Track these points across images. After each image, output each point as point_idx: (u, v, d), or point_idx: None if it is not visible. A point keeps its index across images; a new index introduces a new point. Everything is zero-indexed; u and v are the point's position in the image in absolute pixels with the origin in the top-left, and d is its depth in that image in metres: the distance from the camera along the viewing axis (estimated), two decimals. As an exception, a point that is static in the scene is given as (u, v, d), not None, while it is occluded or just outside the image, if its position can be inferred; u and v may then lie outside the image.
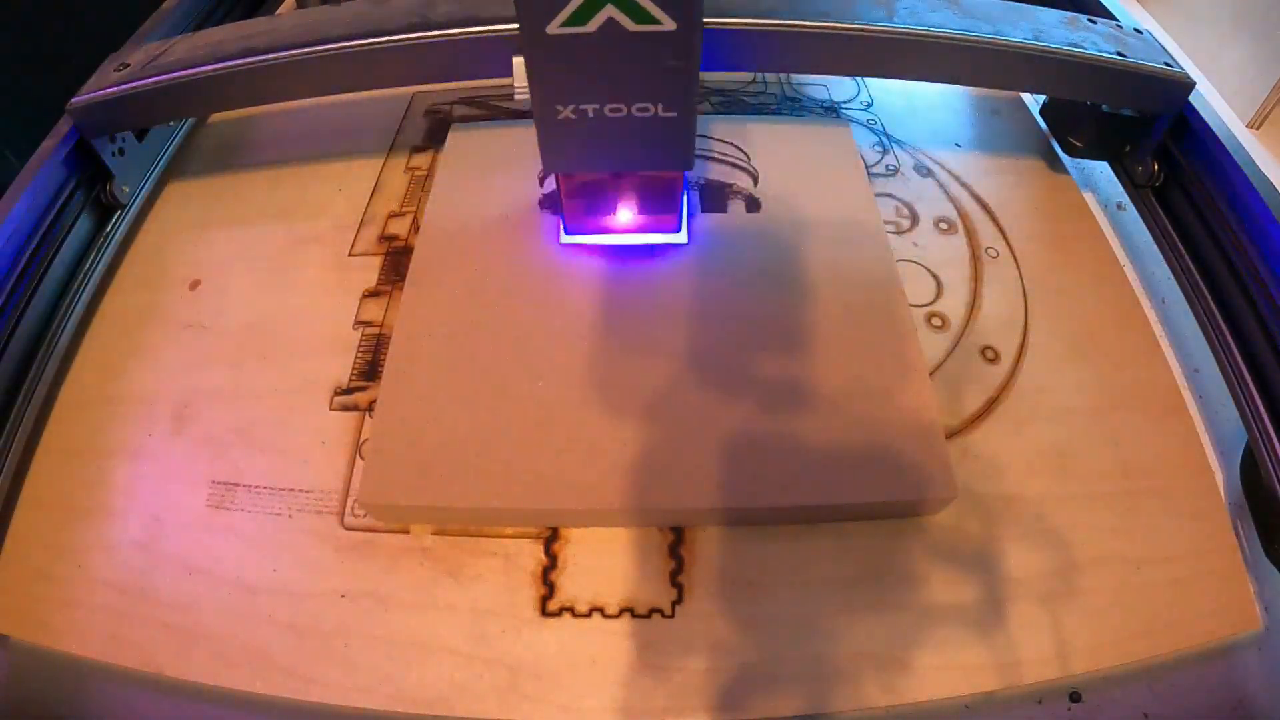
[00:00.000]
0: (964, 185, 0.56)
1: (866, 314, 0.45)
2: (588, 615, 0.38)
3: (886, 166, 0.57)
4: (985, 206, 0.55)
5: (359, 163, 0.60)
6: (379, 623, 0.39)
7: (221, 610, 0.40)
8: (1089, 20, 0.51)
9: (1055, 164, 0.59)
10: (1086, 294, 0.50)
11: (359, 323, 0.49)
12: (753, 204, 0.52)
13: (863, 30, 0.47)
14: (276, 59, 0.50)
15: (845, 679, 0.37)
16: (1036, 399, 0.45)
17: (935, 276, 0.50)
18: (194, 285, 0.52)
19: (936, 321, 0.48)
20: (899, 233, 0.53)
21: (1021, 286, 0.50)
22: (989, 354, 0.47)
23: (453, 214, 0.52)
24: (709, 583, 0.39)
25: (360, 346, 0.48)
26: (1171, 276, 0.50)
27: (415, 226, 0.54)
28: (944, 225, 0.53)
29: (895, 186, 0.56)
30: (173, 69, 0.51)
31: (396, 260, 0.52)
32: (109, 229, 0.54)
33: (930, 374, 0.44)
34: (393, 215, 0.56)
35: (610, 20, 0.31)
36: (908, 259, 0.51)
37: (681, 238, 0.48)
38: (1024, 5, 0.51)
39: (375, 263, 0.52)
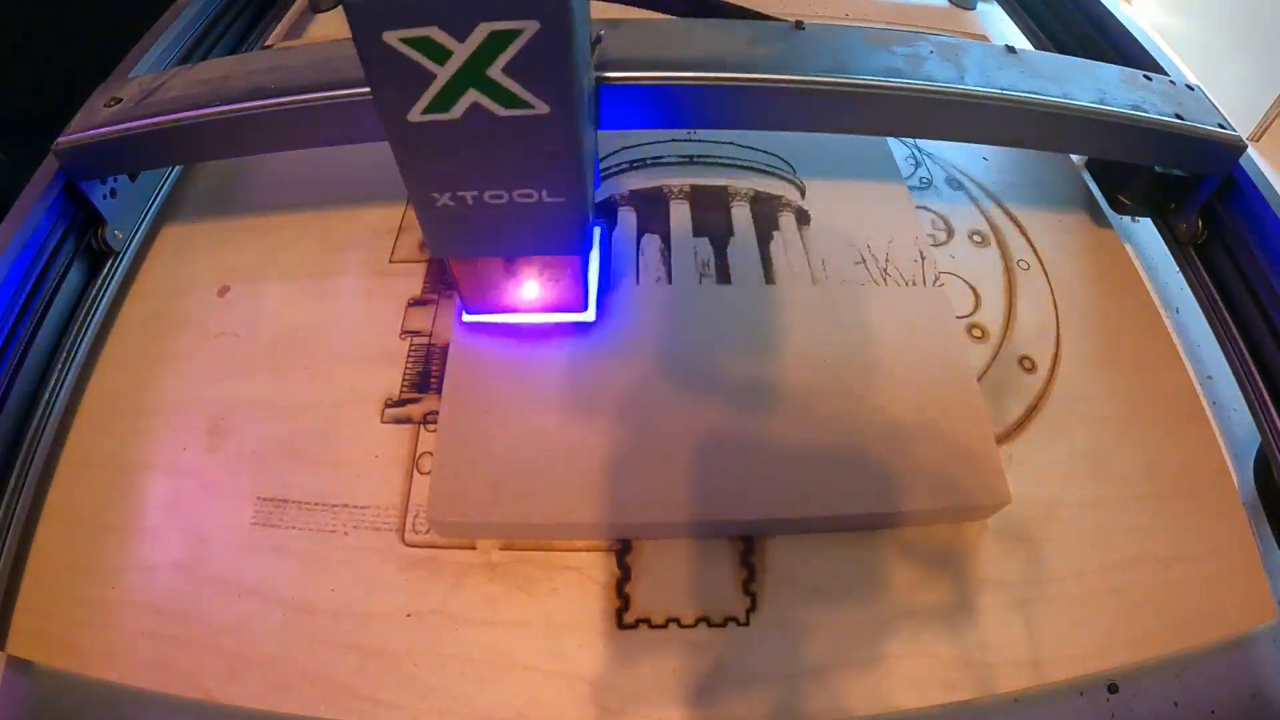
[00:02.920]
0: (993, 198, 0.58)
1: (918, 327, 0.47)
2: (664, 626, 0.39)
3: (920, 179, 0.59)
4: (1014, 219, 0.57)
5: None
6: (449, 641, 0.38)
7: (276, 633, 0.39)
8: (1145, 77, 0.51)
9: (1074, 177, 0.62)
10: (1111, 305, 0.53)
11: (406, 332, 0.48)
12: (803, 216, 0.53)
13: (936, 92, 0.45)
14: (291, 104, 0.44)
15: (911, 678, 0.39)
16: (1072, 407, 0.48)
17: (973, 288, 0.52)
18: (223, 291, 0.50)
19: (977, 333, 0.50)
20: (936, 245, 0.54)
21: (1052, 297, 0.53)
22: (1026, 364, 0.49)
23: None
24: (781, 590, 0.40)
25: (410, 357, 0.47)
26: (1186, 287, 0.53)
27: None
28: (977, 238, 0.55)
29: (930, 199, 0.57)
30: (170, 109, 0.45)
31: (441, 269, 0.51)
32: (104, 274, 0.49)
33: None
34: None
35: (475, 105, 0.29)
36: (946, 271, 0.53)
37: (588, 316, 0.45)
38: (1083, 61, 0.51)
39: (418, 269, 0.51)
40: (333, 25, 0.79)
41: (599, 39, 0.43)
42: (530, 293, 0.43)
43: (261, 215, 0.55)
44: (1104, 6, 0.63)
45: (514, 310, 0.44)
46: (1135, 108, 0.47)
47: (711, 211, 0.53)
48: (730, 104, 0.45)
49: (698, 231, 0.52)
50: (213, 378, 0.47)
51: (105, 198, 0.49)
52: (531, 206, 0.34)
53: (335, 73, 0.45)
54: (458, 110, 0.29)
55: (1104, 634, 0.41)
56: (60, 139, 0.46)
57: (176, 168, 0.57)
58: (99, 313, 0.49)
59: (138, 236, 0.53)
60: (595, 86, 0.42)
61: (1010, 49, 0.49)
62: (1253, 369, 0.47)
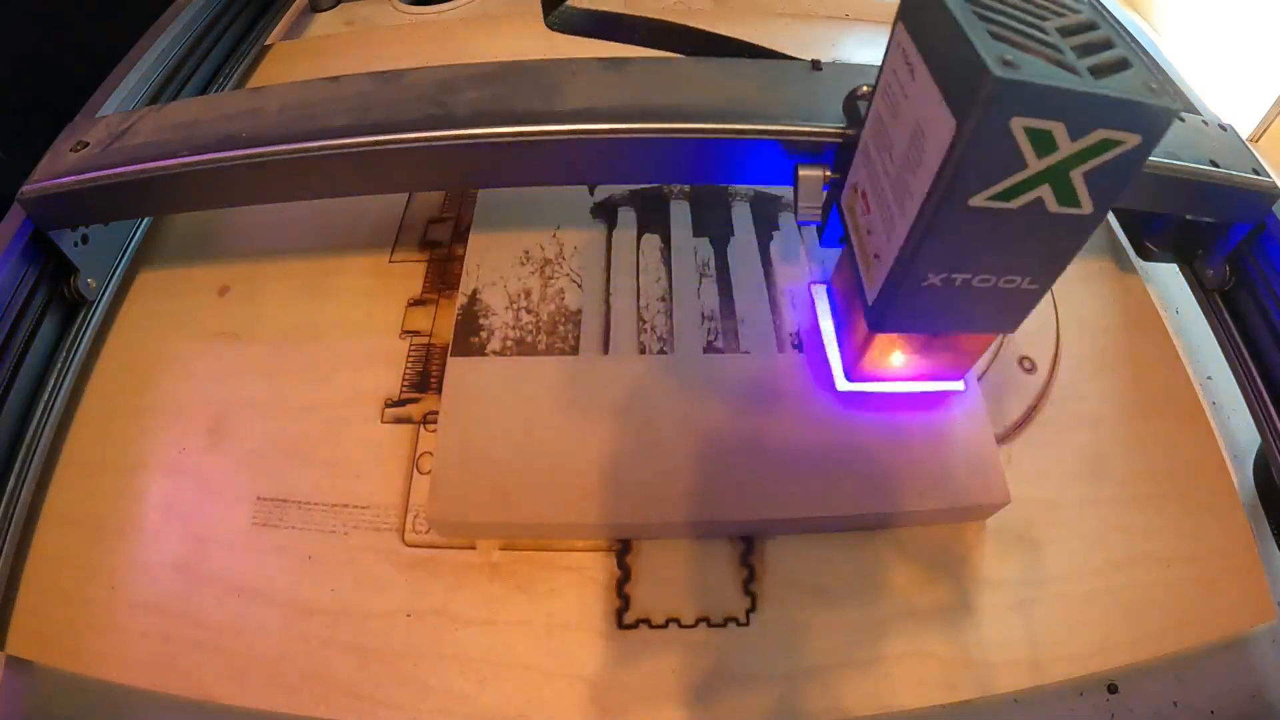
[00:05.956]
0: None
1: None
2: (664, 626, 0.39)
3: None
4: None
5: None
6: (449, 641, 0.38)
7: (277, 633, 0.39)
8: (1178, 118, 0.48)
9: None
10: (1110, 304, 0.53)
11: (406, 332, 0.48)
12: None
13: None
14: (264, 155, 0.41)
15: (911, 678, 0.39)
16: (1071, 407, 0.48)
17: (973, 288, 0.52)
18: (223, 291, 0.50)
19: (977, 332, 0.50)
20: (937, 245, 0.54)
21: (1052, 298, 0.53)
22: (1026, 364, 0.49)
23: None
24: (781, 590, 0.40)
25: (410, 357, 0.47)
26: (1186, 288, 0.53)
27: (457, 232, 0.53)
28: (977, 238, 0.55)
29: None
30: (138, 156, 0.43)
31: (441, 268, 0.51)
32: (81, 323, 0.46)
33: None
34: (432, 220, 0.54)
35: (1037, 199, 0.28)
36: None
37: (960, 385, 0.43)
38: None
39: (418, 269, 0.51)
40: (332, 25, 0.79)
41: None
42: (939, 366, 0.41)
43: (261, 215, 0.55)
44: (1134, 38, 0.60)
45: (900, 380, 0.42)
46: (1171, 156, 0.45)
47: (712, 211, 0.53)
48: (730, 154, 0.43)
49: (698, 231, 0.52)
50: (213, 378, 0.47)
51: (76, 245, 0.47)
52: (1008, 291, 0.33)
53: (311, 121, 0.42)
54: (1019, 201, 0.28)
55: (1104, 634, 0.41)
56: (25, 187, 0.44)
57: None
58: (80, 352, 0.47)
59: (113, 282, 0.50)
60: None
61: None
62: (1253, 370, 0.46)
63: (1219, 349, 0.49)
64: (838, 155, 0.41)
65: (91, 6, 0.78)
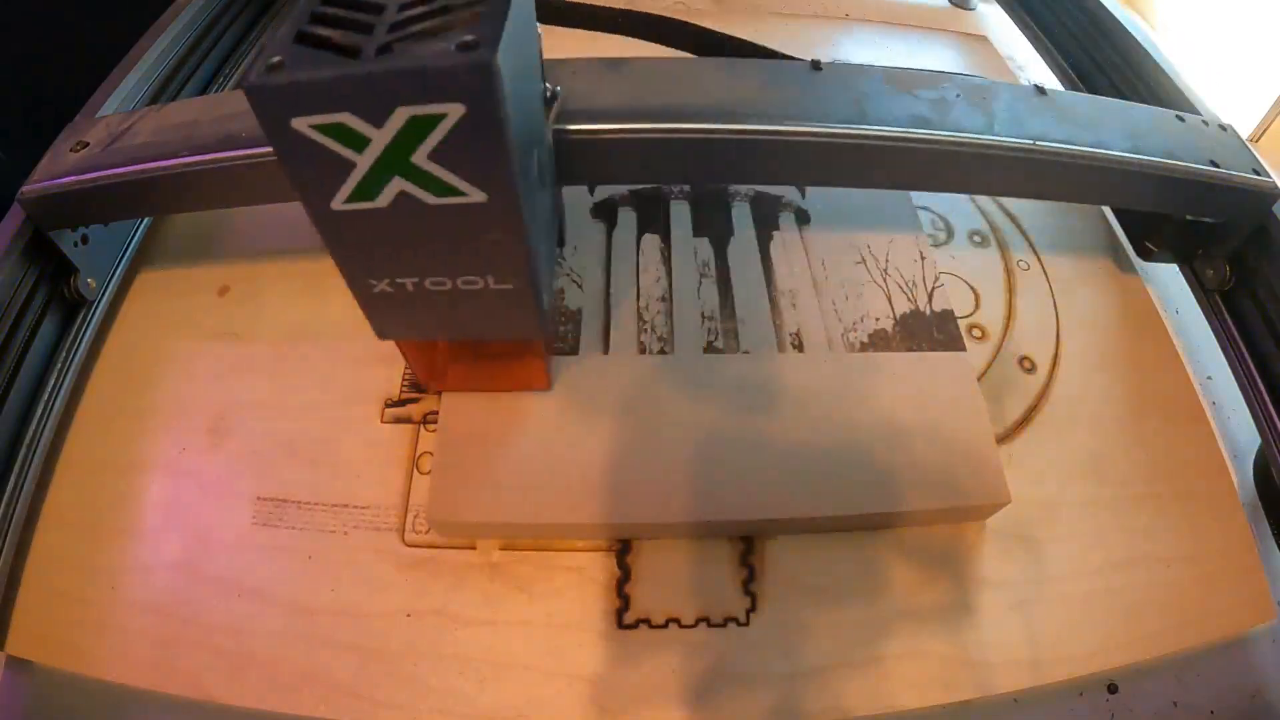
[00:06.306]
0: (992, 197, 0.58)
1: (919, 325, 0.47)
2: (664, 626, 0.39)
3: (919, 179, 0.59)
4: (1014, 219, 0.57)
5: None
6: (449, 641, 0.38)
7: (277, 633, 0.39)
8: (1177, 118, 0.48)
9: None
10: (1111, 305, 0.53)
11: (406, 331, 0.48)
12: (803, 216, 0.53)
13: (965, 144, 0.42)
14: (264, 155, 0.41)
15: (911, 678, 0.39)
16: (1071, 407, 0.48)
17: (973, 289, 0.52)
18: (223, 291, 0.50)
19: (977, 333, 0.50)
20: (937, 245, 0.54)
21: (1052, 298, 0.53)
22: (1026, 364, 0.49)
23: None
24: (780, 590, 0.40)
25: (410, 356, 0.47)
26: (1186, 288, 0.53)
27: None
28: (977, 238, 0.55)
29: (930, 199, 0.57)
30: (138, 156, 0.43)
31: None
32: (82, 323, 0.46)
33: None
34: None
35: (404, 193, 0.26)
36: (946, 271, 0.53)
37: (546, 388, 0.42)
38: (1114, 103, 0.49)
39: (418, 269, 0.51)
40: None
41: (553, 96, 0.38)
42: (510, 373, 0.40)
43: (261, 215, 0.55)
44: (1133, 37, 0.59)
45: (473, 389, 0.42)
46: (1170, 155, 0.45)
47: (712, 212, 0.53)
48: (734, 156, 0.42)
49: (698, 231, 0.52)
50: (213, 378, 0.47)
51: (76, 245, 0.47)
52: (478, 293, 0.31)
53: None
54: (384, 199, 0.26)
55: (1104, 634, 0.41)
56: (25, 187, 0.43)
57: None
58: (79, 353, 0.47)
59: (113, 282, 0.50)
60: (550, 147, 0.38)
61: (1040, 90, 0.47)
62: (1253, 370, 0.46)
63: (1219, 349, 0.49)
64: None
65: (91, 6, 0.78)
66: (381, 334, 0.35)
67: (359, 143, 0.24)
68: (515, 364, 0.40)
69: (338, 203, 0.27)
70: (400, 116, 0.24)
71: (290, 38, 0.24)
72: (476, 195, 0.26)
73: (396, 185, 0.26)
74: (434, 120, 0.24)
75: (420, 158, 0.25)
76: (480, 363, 0.40)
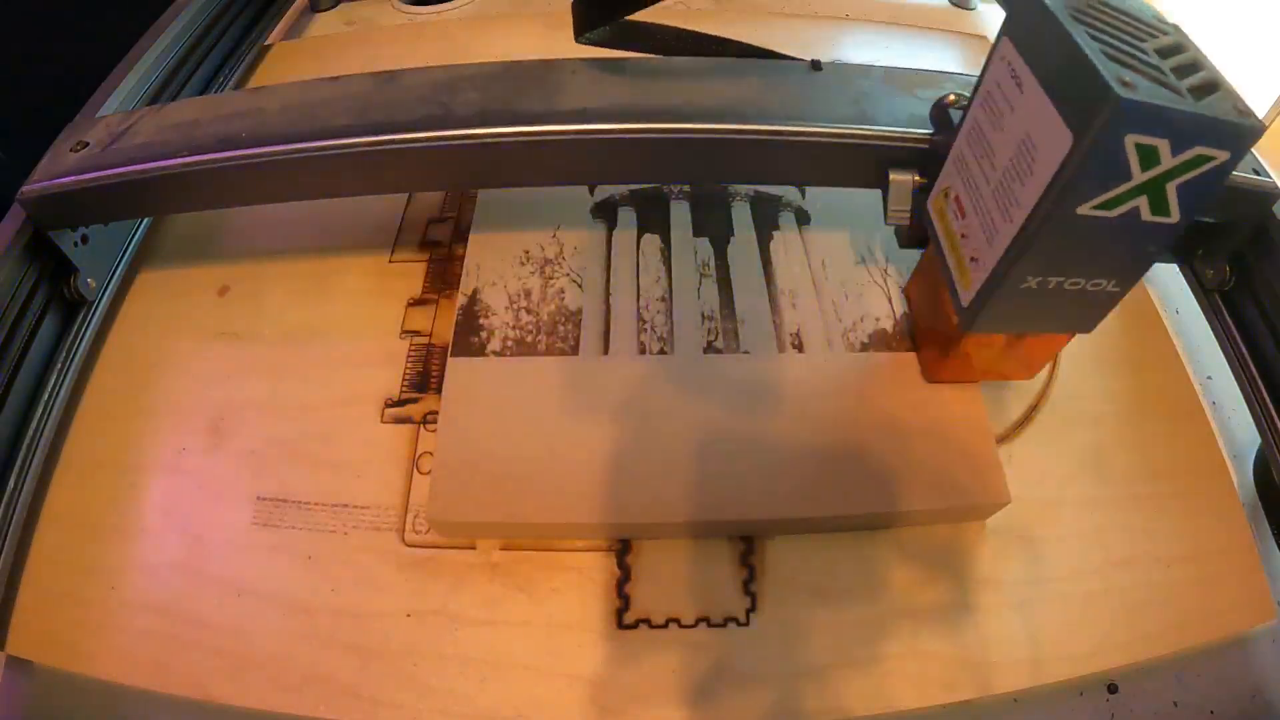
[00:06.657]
0: (992, 199, 0.58)
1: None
2: (664, 626, 0.39)
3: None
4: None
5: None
6: (449, 641, 0.38)
7: (277, 633, 0.39)
8: None
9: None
10: (1110, 305, 0.53)
11: (406, 332, 0.48)
12: (803, 216, 0.53)
13: None
14: (264, 155, 0.41)
15: (911, 678, 0.39)
16: (1071, 406, 0.48)
17: (973, 288, 0.52)
18: (223, 291, 0.50)
19: (977, 332, 0.50)
20: (936, 245, 0.54)
21: (1052, 298, 0.53)
22: (1026, 363, 0.49)
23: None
24: (781, 590, 0.40)
25: (409, 357, 0.47)
26: (1186, 287, 0.53)
27: (457, 232, 0.53)
28: (977, 238, 0.55)
29: (929, 199, 0.57)
30: (138, 157, 0.43)
31: (441, 268, 0.51)
32: (82, 323, 0.46)
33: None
34: (432, 221, 0.54)
35: (1134, 209, 0.30)
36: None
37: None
38: None
39: (418, 269, 0.51)
40: (332, 25, 0.79)
41: None
42: (1014, 365, 0.43)
43: (261, 215, 0.55)
44: None
45: (974, 379, 0.44)
46: None
47: (712, 211, 0.53)
48: (734, 155, 0.43)
49: (698, 231, 0.52)
50: (213, 378, 0.47)
51: (76, 245, 0.47)
52: (1094, 294, 0.34)
53: (312, 122, 0.42)
54: (1118, 210, 0.30)
55: (1103, 634, 0.41)
56: (25, 187, 0.43)
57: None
58: (79, 353, 0.47)
59: (113, 282, 0.50)
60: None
61: None
62: (1253, 370, 0.46)
63: (1219, 349, 0.49)
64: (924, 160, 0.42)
65: (91, 6, 0.78)
66: (980, 327, 0.37)
67: (1150, 164, 0.28)
68: (1023, 359, 0.42)
69: (1085, 208, 0.30)
70: (1193, 152, 0.28)
71: (1104, 59, 0.27)
72: (1175, 217, 0.30)
73: (1137, 202, 0.29)
74: (1205, 160, 0.28)
75: (1170, 185, 0.29)
76: (1008, 349, 0.42)
